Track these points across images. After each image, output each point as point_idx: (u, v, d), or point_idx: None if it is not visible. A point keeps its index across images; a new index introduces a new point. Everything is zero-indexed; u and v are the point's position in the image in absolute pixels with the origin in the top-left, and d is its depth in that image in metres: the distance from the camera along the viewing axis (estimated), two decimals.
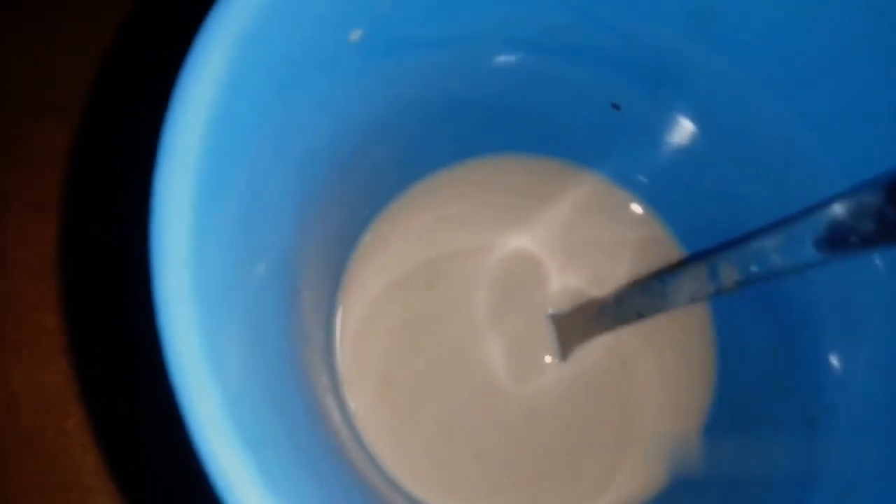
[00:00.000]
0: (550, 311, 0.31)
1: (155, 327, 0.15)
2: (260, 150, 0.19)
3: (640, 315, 0.26)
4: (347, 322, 0.30)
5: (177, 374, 0.15)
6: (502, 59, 0.26)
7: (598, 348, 0.30)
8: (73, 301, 0.32)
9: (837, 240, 0.21)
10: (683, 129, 0.27)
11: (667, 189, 0.30)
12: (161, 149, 0.16)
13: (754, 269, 0.23)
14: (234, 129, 0.17)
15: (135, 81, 0.34)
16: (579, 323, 0.29)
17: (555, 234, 0.31)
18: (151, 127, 0.17)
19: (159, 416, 0.30)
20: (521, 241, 0.31)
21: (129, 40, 0.35)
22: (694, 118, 0.27)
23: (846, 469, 0.23)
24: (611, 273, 0.31)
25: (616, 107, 0.28)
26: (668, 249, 0.31)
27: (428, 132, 0.28)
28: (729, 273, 0.23)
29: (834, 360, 0.25)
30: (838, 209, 0.21)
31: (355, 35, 0.21)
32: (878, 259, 0.24)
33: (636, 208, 0.32)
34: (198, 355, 0.15)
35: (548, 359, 0.30)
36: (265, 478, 0.15)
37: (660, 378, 0.30)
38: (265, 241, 0.20)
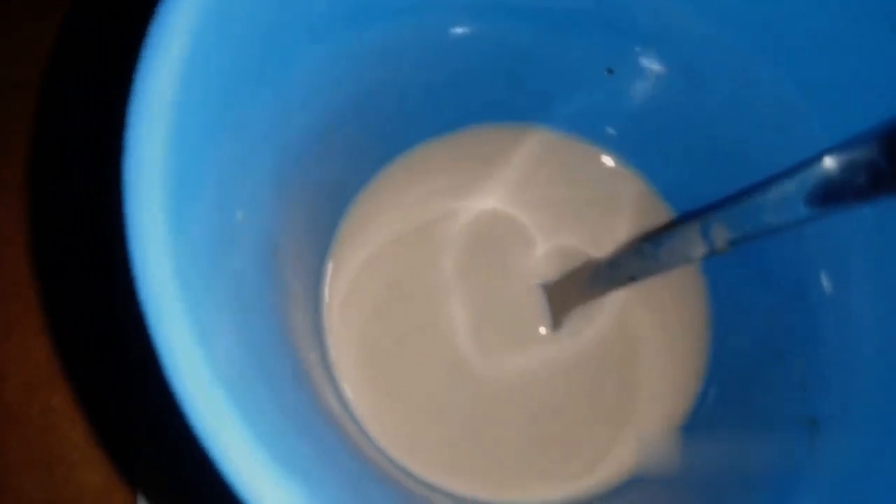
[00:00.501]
0: (540, 280, 0.31)
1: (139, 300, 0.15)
2: (234, 107, 0.19)
3: (632, 278, 0.26)
4: (335, 289, 0.30)
5: (155, 323, 0.15)
6: (461, 29, 0.26)
7: (590, 314, 0.30)
8: (58, 276, 0.32)
9: (830, 195, 0.21)
10: (663, 87, 0.28)
11: (655, 150, 0.31)
12: (133, 95, 0.16)
13: (746, 227, 0.23)
14: (207, 81, 0.17)
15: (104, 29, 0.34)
16: (570, 289, 0.30)
17: (534, 197, 0.31)
18: (119, 80, 0.17)
19: (146, 391, 0.31)
20: (501, 205, 0.31)
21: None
22: (678, 77, 0.27)
23: (843, 436, 0.24)
24: (596, 229, 0.31)
25: (609, 71, 0.28)
26: (653, 205, 0.32)
27: (400, 107, 0.29)
28: (721, 232, 0.24)
29: (827, 325, 0.25)
30: (830, 163, 0.21)
31: None
32: (871, 220, 0.24)
33: (608, 161, 0.32)
34: (175, 302, 0.15)
35: (542, 330, 0.30)
36: (255, 434, 0.15)
37: (654, 339, 0.31)
38: (243, 190, 0.20)
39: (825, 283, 0.25)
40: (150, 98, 0.16)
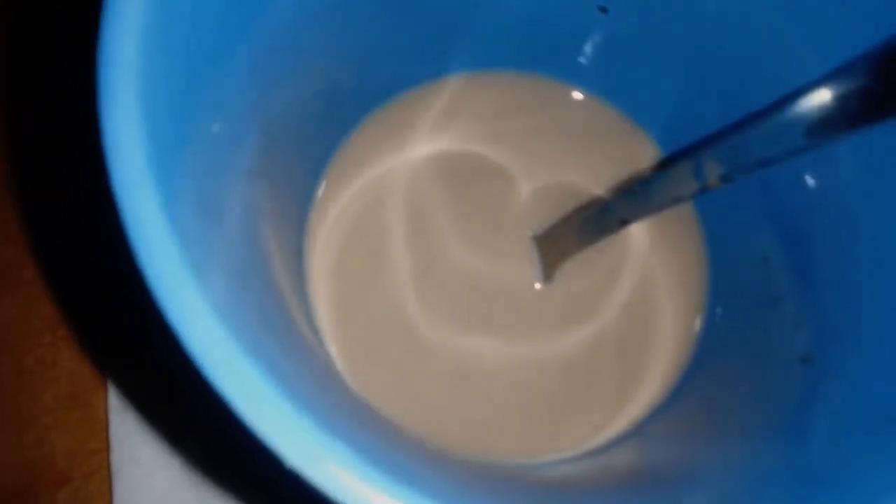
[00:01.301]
0: (529, 229, 0.31)
1: (117, 248, 0.15)
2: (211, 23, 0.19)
3: (623, 222, 0.27)
4: (318, 235, 0.30)
5: (146, 260, 0.15)
6: None
7: (581, 264, 0.30)
8: (34, 233, 0.32)
9: (825, 123, 0.21)
10: (643, 14, 0.28)
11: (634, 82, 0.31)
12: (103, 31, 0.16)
13: (739, 161, 0.23)
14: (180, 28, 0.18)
15: None
16: (561, 239, 0.30)
17: (512, 139, 0.32)
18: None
19: (120, 347, 0.30)
20: (481, 149, 0.32)
21: None
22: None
23: (838, 376, 0.24)
24: (576, 164, 0.32)
25: (603, 10, 0.28)
26: (636, 137, 0.32)
27: (366, 59, 0.29)
28: (713, 168, 0.24)
29: (824, 270, 0.25)
30: (823, 91, 0.21)
31: None
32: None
33: (578, 95, 0.32)
34: (154, 206, 0.15)
35: (537, 286, 0.30)
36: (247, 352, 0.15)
37: (650, 287, 0.31)
38: (221, 100, 0.20)
39: (822, 218, 0.26)
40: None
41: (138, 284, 0.15)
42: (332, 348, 0.29)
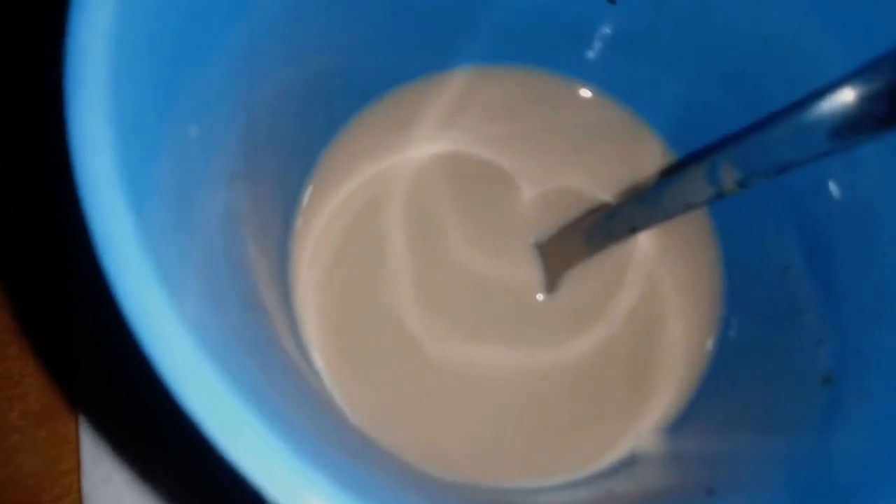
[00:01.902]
0: (532, 236, 0.30)
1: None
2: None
3: (633, 229, 0.26)
4: (305, 242, 0.29)
5: (114, 271, 0.15)
6: None
7: (586, 273, 0.29)
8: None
9: (849, 126, 0.20)
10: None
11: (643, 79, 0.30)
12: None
13: (757, 165, 0.22)
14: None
15: None
16: (565, 247, 0.29)
17: (516, 141, 0.31)
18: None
19: (92, 363, 0.30)
20: (480, 151, 0.31)
21: None
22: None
23: (860, 396, 0.23)
24: (583, 167, 0.31)
25: (611, 1, 0.28)
26: (645, 138, 0.31)
27: (358, 52, 0.28)
28: (729, 172, 0.23)
29: (847, 282, 0.25)
30: (847, 91, 0.20)
31: None
32: None
33: (586, 93, 0.32)
34: (124, 217, 0.15)
35: (539, 297, 0.30)
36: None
37: (662, 299, 0.30)
38: (199, 100, 0.20)
39: (846, 227, 0.25)
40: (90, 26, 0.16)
41: (110, 299, 0.15)
42: (321, 364, 0.28)
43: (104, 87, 0.16)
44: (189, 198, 0.19)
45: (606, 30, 0.29)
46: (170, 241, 0.17)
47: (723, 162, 0.23)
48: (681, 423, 0.29)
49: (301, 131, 0.28)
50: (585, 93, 0.32)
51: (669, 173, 0.30)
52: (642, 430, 0.29)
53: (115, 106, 0.16)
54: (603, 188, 0.31)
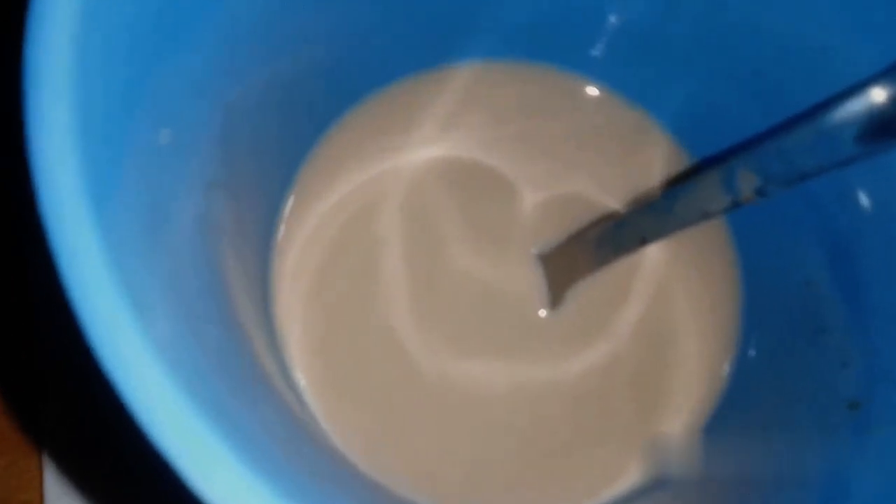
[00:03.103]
0: (534, 246, 0.30)
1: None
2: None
3: (643, 240, 0.26)
4: (289, 253, 0.29)
5: (79, 297, 0.14)
6: None
7: (592, 287, 0.29)
8: None
9: (878, 128, 0.20)
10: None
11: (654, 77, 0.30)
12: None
13: (777, 171, 0.22)
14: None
15: None
16: (570, 259, 0.29)
17: (519, 144, 0.31)
18: None
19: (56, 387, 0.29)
20: (476, 154, 0.31)
21: None
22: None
23: (892, 422, 0.23)
24: (590, 172, 0.31)
25: None
26: (658, 139, 0.31)
27: (348, 48, 0.28)
28: (747, 179, 0.23)
29: (875, 298, 0.25)
30: (877, 92, 0.20)
31: None
32: None
33: (593, 91, 0.31)
34: (88, 230, 0.15)
35: (542, 313, 0.29)
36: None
37: (675, 317, 0.30)
38: (171, 102, 0.19)
39: (875, 238, 0.25)
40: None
41: (74, 319, 0.14)
42: (305, 383, 0.28)
43: (66, 88, 0.15)
44: (161, 208, 0.19)
45: (615, 25, 0.29)
46: (139, 256, 0.16)
47: (740, 168, 0.23)
48: (696, 456, 0.28)
49: (285, 133, 0.28)
50: (593, 91, 0.31)
51: (684, 179, 0.29)
52: (652, 457, 0.28)
53: (79, 108, 0.15)
54: (612, 194, 0.31)
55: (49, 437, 0.30)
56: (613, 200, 0.31)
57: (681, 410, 0.29)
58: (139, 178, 0.18)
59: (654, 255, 0.30)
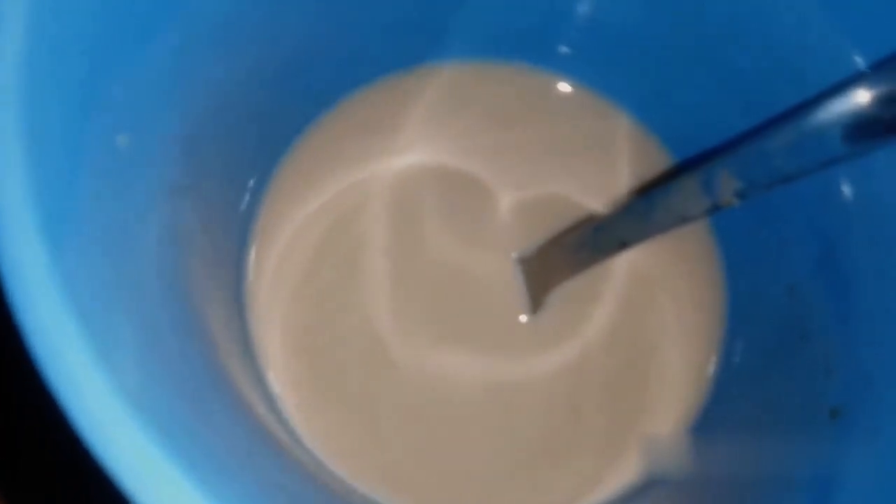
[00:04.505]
0: (513, 250, 0.30)
1: None
2: None
3: (623, 244, 0.25)
4: (265, 255, 0.29)
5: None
6: None
7: (574, 293, 0.29)
8: None
9: (862, 132, 0.20)
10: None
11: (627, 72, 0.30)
12: None
13: (758, 174, 0.22)
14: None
15: None
16: (550, 263, 0.29)
17: (484, 142, 0.31)
18: None
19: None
20: (447, 158, 0.30)
21: None
22: None
23: (872, 432, 0.23)
24: (568, 172, 0.30)
25: None
26: (636, 137, 0.31)
27: (306, 56, 0.28)
28: (727, 182, 0.22)
29: (861, 300, 0.24)
30: (862, 94, 0.19)
31: None
32: None
33: (567, 88, 0.31)
34: (38, 247, 0.14)
35: (523, 318, 0.29)
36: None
37: (657, 321, 0.30)
38: (128, 104, 0.19)
39: (861, 238, 0.25)
40: None
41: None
42: (281, 389, 0.28)
43: (13, 93, 0.15)
44: (120, 218, 0.19)
45: (592, 22, 0.29)
46: (94, 270, 0.16)
47: (720, 170, 0.22)
48: (682, 461, 0.28)
49: (255, 137, 0.28)
50: (569, 89, 0.31)
51: (663, 181, 0.29)
52: (628, 467, 0.28)
53: (28, 114, 0.15)
54: (590, 194, 0.31)
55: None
56: (592, 200, 0.30)
57: (665, 413, 0.29)
58: (96, 187, 0.17)
59: (635, 258, 0.30)
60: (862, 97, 0.19)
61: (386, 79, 0.30)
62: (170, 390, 0.17)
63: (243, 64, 0.24)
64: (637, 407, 0.29)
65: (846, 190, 0.25)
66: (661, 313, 0.30)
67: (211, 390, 0.21)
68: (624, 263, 0.30)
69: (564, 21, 0.29)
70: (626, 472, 0.28)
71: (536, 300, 0.29)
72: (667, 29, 0.27)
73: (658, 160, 0.31)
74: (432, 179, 0.30)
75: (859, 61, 0.22)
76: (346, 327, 0.29)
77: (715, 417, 0.28)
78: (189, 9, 0.21)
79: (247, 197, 0.29)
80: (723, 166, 0.22)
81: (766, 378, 0.27)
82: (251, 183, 0.29)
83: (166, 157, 0.21)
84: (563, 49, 0.30)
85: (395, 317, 0.29)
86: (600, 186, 0.31)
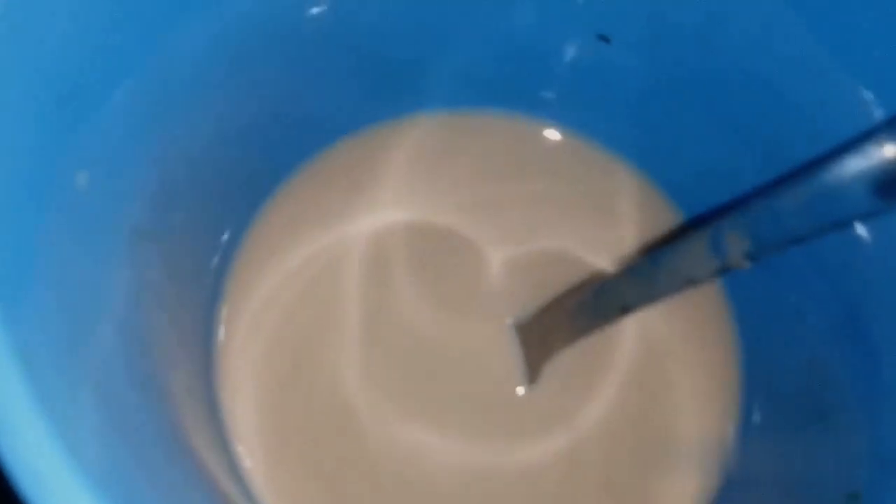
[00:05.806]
0: (508, 315, 0.29)
1: None
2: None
3: (624, 309, 0.24)
4: (236, 317, 0.28)
5: None
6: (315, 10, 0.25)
7: (575, 361, 0.28)
8: None
9: (887, 189, 0.18)
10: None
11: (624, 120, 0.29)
12: None
13: (768, 233, 0.21)
14: None
15: None
16: (548, 329, 0.28)
17: (470, 197, 0.30)
18: None
19: None
20: (432, 216, 0.30)
21: None
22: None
23: None
24: (566, 230, 0.30)
25: (604, 39, 0.27)
26: (638, 194, 0.30)
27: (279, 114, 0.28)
28: (736, 242, 0.21)
29: (887, 382, 0.23)
30: (889, 148, 0.18)
31: None
32: None
33: (556, 136, 0.31)
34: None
35: (520, 390, 0.28)
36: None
37: (667, 394, 0.29)
38: (90, 143, 0.19)
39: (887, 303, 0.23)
40: None
41: None
42: (249, 459, 0.27)
43: None
44: (81, 266, 0.18)
45: (587, 68, 0.28)
46: (52, 334, 0.16)
47: (729, 230, 0.22)
48: None
49: (230, 189, 0.27)
50: (558, 136, 0.31)
51: (671, 239, 0.28)
52: None
53: None
54: (592, 249, 0.30)
55: None
56: (591, 254, 0.30)
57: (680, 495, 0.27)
58: (52, 229, 0.17)
59: (641, 323, 0.29)
60: (890, 150, 0.18)
61: (365, 130, 0.30)
62: (129, 462, 0.17)
63: (217, 115, 0.24)
64: (650, 492, 0.27)
65: (870, 250, 0.24)
66: (669, 384, 0.29)
67: (173, 462, 0.20)
68: (628, 328, 0.29)
69: (545, 65, 0.28)
70: None
71: (533, 370, 0.28)
72: (676, 80, 0.27)
73: (663, 214, 0.30)
74: (415, 237, 0.30)
75: (879, 112, 0.22)
76: (317, 395, 0.28)
77: (734, 489, 0.27)
78: (161, 54, 0.21)
79: (219, 251, 0.28)
80: (731, 225, 0.21)
81: (783, 459, 0.26)
82: (225, 236, 0.28)
83: (133, 200, 0.21)
84: (548, 94, 0.29)
85: (368, 387, 0.28)
86: (599, 240, 0.30)
